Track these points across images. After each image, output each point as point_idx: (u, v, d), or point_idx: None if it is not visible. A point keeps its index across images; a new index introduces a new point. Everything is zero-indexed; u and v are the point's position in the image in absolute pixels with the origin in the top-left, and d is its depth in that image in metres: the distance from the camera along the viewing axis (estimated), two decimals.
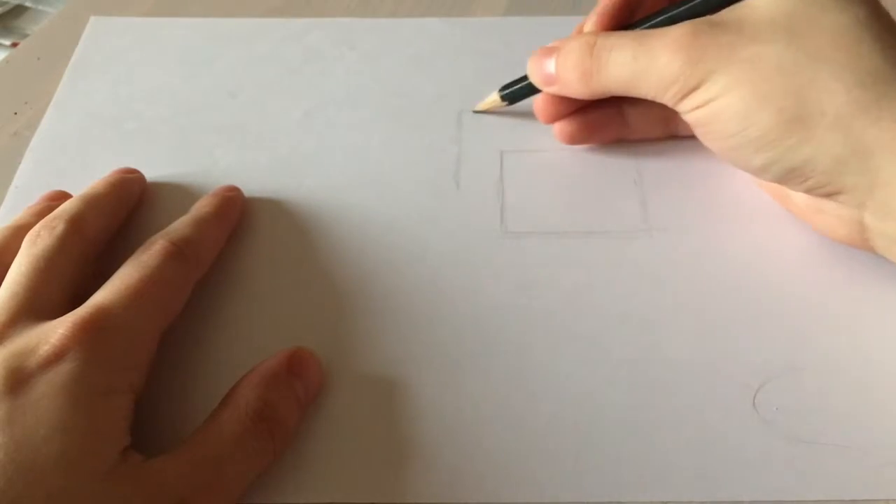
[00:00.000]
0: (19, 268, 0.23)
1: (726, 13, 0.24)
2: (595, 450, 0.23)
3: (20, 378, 0.20)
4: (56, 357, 0.20)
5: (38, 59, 0.36)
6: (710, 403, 0.24)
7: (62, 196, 0.28)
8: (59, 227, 0.24)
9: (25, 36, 0.44)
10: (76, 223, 0.25)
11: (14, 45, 0.45)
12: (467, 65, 0.35)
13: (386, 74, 0.34)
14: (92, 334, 0.21)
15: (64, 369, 0.20)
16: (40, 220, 0.25)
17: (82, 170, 0.31)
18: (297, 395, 0.23)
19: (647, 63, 0.25)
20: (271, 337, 0.26)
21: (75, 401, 0.20)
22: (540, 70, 0.28)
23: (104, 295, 0.22)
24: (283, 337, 0.26)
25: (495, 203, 0.29)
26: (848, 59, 0.23)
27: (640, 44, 0.25)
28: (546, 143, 0.31)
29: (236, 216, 0.29)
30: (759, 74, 0.23)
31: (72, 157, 0.31)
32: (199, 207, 0.27)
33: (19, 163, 0.31)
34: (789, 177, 0.24)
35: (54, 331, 0.21)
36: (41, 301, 0.22)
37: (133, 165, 0.30)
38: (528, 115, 0.32)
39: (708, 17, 0.25)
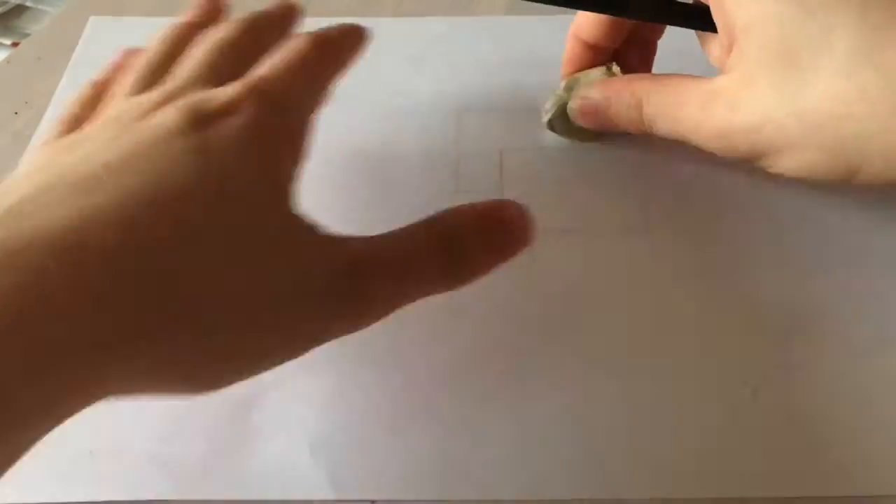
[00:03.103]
0: (202, 46, 0.24)
1: None
2: (595, 447, 0.23)
3: (199, 119, 0.20)
4: (231, 109, 0.21)
5: (39, 58, 0.36)
6: (710, 400, 0.24)
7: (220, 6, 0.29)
8: (239, 27, 0.25)
9: (26, 36, 0.44)
10: (252, 30, 0.25)
11: (14, 44, 0.44)
12: (467, 65, 0.35)
13: (386, 74, 0.34)
14: (260, 97, 0.21)
15: (238, 120, 0.21)
16: (209, 18, 0.27)
17: None
18: (494, 242, 0.23)
19: None
20: None
21: (251, 147, 0.20)
22: None
23: (267, 68, 0.23)
24: None
25: None
26: None
27: None
28: (546, 142, 0.32)
29: (363, 38, 0.28)
30: None
31: None
32: (332, 26, 0.28)
33: (19, 163, 0.31)
34: None
35: (225, 90, 0.21)
36: (216, 73, 0.23)
37: None
38: (529, 114, 0.33)
39: None
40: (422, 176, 0.30)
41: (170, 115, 0.20)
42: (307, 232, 0.21)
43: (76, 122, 0.24)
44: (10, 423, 0.16)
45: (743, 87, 0.24)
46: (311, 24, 0.37)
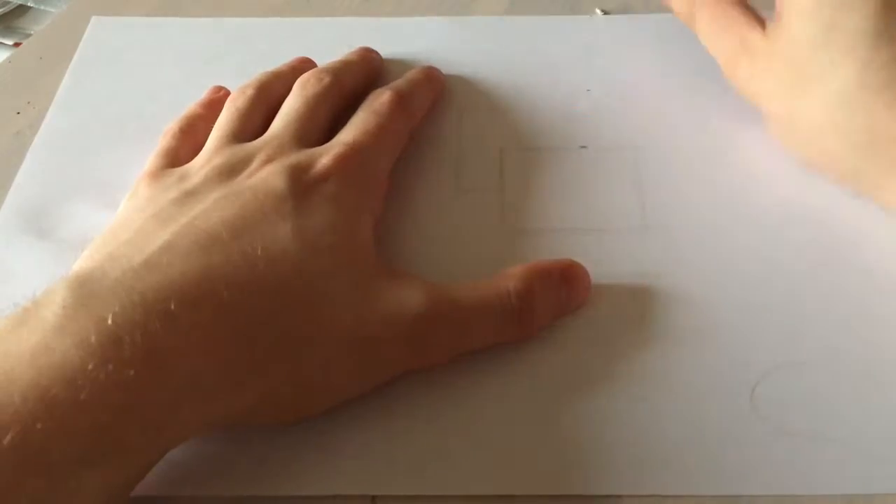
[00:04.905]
0: (294, 104, 0.29)
1: None
2: (594, 444, 0.23)
3: (300, 186, 0.24)
4: (323, 178, 0.25)
5: (41, 58, 0.36)
6: (707, 399, 0.24)
7: (309, 60, 0.33)
8: (326, 80, 0.30)
9: (27, 36, 0.44)
10: (338, 80, 0.30)
11: (16, 44, 0.45)
12: (467, 65, 0.35)
13: (386, 74, 0.34)
14: (347, 165, 0.26)
15: (329, 188, 0.25)
16: (294, 71, 0.31)
17: (84, 169, 0.31)
18: (559, 298, 0.26)
19: None
20: None
21: (338, 211, 0.24)
22: None
23: (352, 134, 0.27)
24: None
25: (495, 201, 0.30)
26: None
27: None
28: (546, 141, 0.32)
29: (441, 87, 0.33)
30: None
31: (74, 156, 0.32)
32: (411, 73, 0.32)
33: (21, 162, 0.31)
34: None
35: (319, 158, 0.26)
36: (307, 132, 0.28)
37: (135, 164, 0.30)
38: (528, 113, 0.33)
39: None
40: (422, 175, 0.31)
41: (276, 180, 0.24)
42: (384, 280, 0.24)
43: (174, 155, 0.28)
44: (144, 445, 0.20)
45: (762, 64, 0.28)
46: (312, 24, 0.37)
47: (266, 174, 0.25)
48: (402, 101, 0.29)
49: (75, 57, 0.36)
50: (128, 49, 0.36)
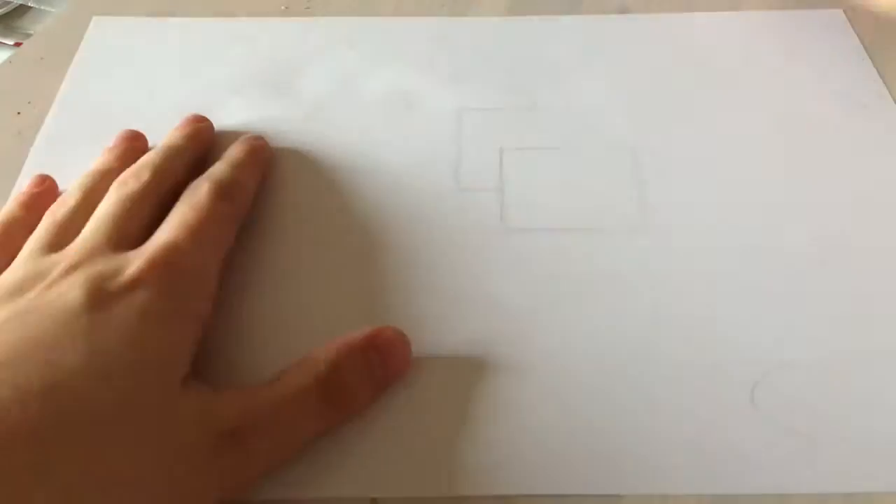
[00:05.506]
0: (107, 207, 0.26)
1: None
2: (595, 443, 0.23)
3: (101, 298, 0.22)
4: (131, 286, 0.22)
5: (41, 58, 0.36)
6: (708, 397, 0.24)
7: (139, 136, 0.31)
8: (145, 176, 0.27)
9: (28, 36, 0.44)
10: (159, 175, 0.27)
11: (17, 44, 0.45)
12: (467, 65, 0.35)
13: (386, 74, 0.34)
14: (162, 269, 0.23)
15: (138, 297, 0.22)
16: (122, 162, 0.28)
17: (85, 169, 0.31)
18: (372, 371, 0.24)
19: None
20: (276, 332, 0.26)
21: (147, 323, 0.22)
22: None
23: (168, 234, 0.24)
24: (281, 326, 0.26)
25: (495, 200, 0.30)
26: None
27: None
28: (545, 140, 0.32)
29: (267, 162, 0.31)
30: None
31: (75, 156, 0.31)
32: (232, 152, 0.29)
33: (23, 162, 0.31)
34: None
35: (130, 263, 0.23)
36: (121, 236, 0.25)
37: None
38: (529, 113, 0.33)
39: None
40: (422, 176, 0.31)
41: (73, 292, 0.22)
42: (192, 399, 0.21)
43: None
44: None
45: None
46: (312, 24, 0.37)
47: (63, 286, 0.22)
48: (221, 190, 0.26)
49: (76, 57, 0.36)
50: (128, 49, 0.36)
